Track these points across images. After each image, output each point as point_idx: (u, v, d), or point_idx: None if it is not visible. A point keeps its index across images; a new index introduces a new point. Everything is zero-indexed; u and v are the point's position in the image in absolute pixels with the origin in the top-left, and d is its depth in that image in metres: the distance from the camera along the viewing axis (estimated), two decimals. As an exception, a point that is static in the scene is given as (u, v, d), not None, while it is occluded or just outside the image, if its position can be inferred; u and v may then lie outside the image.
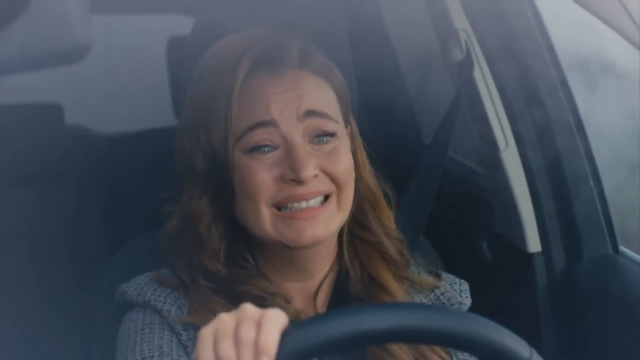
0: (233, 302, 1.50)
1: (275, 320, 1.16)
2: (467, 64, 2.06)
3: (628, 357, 1.92)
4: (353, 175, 1.55)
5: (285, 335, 1.15)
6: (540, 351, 1.21)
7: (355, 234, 1.60)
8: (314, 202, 1.50)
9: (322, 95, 1.53)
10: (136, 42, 3.02)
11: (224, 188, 1.51)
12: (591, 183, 2.07)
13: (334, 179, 1.51)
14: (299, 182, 1.48)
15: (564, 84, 2.09)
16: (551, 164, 2.09)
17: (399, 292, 1.57)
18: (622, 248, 2.09)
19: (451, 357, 1.58)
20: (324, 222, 1.51)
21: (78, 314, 2.40)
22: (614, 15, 1.48)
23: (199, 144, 1.52)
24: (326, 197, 1.51)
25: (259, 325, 1.15)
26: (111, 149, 2.65)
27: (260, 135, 1.48)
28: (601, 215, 2.07)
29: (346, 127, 1.57)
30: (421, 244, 1.84)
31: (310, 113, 1.50)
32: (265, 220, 1.50)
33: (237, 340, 1.15)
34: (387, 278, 1.57)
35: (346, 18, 1.65)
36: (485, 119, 2.09)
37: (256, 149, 1.49)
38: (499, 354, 1.19)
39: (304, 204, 1.49)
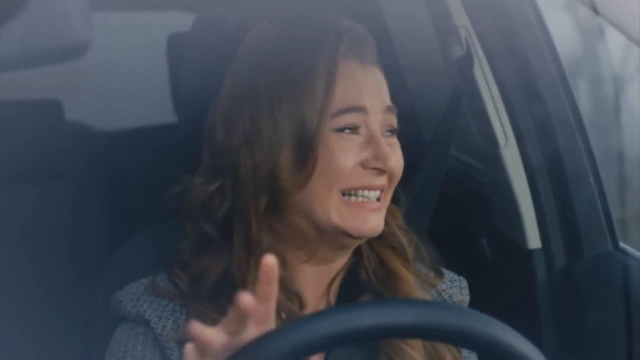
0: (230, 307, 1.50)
1: None
2: (467, 60, 2.06)
3: (628, 354, 1.92)
4: None
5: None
6: (540, 348, 1.21)
7: None
8: (374, 194, 1.53)
9: (388, 93, 1.58)
10: (136, 38, 3.02)
11: (304, 161, 1.50)
12: (591, 180, 2.07)
13: (390, 177, 1.54)
14: (382, 171, 1.52)
15: (564, 80, 2.09)
16: (551, 161, 2.09)
17: (412, 281, 1.58)
18: (622, 245, 2.09)
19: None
20: (381, 216, 1.54)
21: (77, 311, 2.40)
22: (618, 13, 1.48)
23: (276, 117, 1.51)
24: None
25: None
26: (111, 146, 2.65)
27: (350, 118, 1.52)
28: (601, 211, 2.07)
29: None
30: (421, 240, 1.84)
31: (390, 108, 1.56)
32: (333, 204, 1.51)
33: None
34: (401, 268, 1.59)
35: (346, 15, 1.65)
36: (485, 116, 2.09)
37: (346, 129, 1.52)
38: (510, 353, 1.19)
39: (372, 194, 1.53)
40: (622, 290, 1.98)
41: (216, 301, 1.51)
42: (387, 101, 1.56)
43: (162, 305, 1.53)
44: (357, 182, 1.52)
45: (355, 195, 1.52)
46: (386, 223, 1.58)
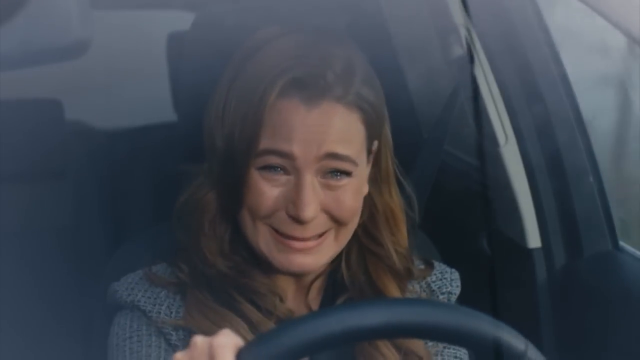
0: (228, 297, 1.51)
1: (226, 346, 1.16)
2: (467, 59, 2.06)
3: (628, 353, 1.92)
4: (358, 213, 1.53)
5: (240, 356, 1.15)
6: (540, 347, 1.21)
7: (364, 244, 1.58)
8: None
9: (349, 136, 1.49)
10: (136, 37, 3.02)
11: (232, 193, 1.50)
12: (591, 179, 2.07)
13: (335, 220, 1.50)
14: (298, 221, 1.47)
15: (564, 79, 2.09)
16: (551, 160, 2.09)
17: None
18: (622, 244, 2.09)
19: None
20: (316, 255, 1.50)
21: (77, 311, 2.39)
22: (615, 10, 1.48)
23: (223, 134, 1.50)
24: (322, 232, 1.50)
25: (211, 356, 1.16)
26: (111, 145, 2.65)
27: (275, 160, 1.46)
28: (601, 211, 2.07)
29: (372, 143, 1.54)
30: (420, 238, 1.84)
31: (331, 155, 1.47)
32: (260, 236, 1.50)
33: None
34: (392, 290, 1.57)
35: (346, 13, 1.65)
36: (485, 115, 2.09)
37: (269, 168, 1.47)
38: (494, 348, 1.19)
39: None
40: (622, 289, 1.98)
41: (214, 292, 1.52)
42: (328, 148, 1.45)
43: (156, 292, 1.54)
44: (280, 226, 1.48)
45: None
46: (382, 244, 1.57)
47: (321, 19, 1.72)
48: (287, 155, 1.45)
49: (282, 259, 1.49)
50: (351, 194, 1.50)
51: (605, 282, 2.03)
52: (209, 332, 1.47)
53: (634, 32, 1.45)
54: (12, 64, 0.98)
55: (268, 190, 1.47)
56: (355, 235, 1.56)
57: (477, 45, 2.08)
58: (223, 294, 1.52)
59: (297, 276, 1.56)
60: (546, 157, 2.09)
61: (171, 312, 1.53)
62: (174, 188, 1.58)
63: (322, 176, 1.48)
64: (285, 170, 1.47)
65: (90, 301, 1.80)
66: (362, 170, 1.52)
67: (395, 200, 1.59)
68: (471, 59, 2.06)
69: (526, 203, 2.09)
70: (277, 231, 1.49)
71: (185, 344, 1.49)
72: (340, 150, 1.47)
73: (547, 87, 2.08)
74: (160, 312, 1.52)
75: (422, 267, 1.64)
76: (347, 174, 1.49)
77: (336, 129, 1.46)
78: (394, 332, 1.24)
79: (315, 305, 1.59)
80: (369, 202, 1.56)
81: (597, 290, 2.03)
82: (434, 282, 1.63)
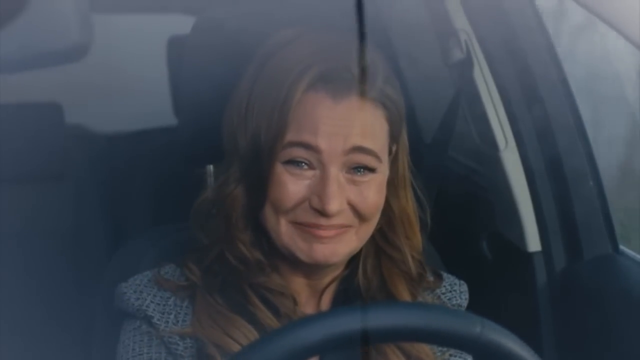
0: (241, 298, 1.51)
1: None
2: (467, 63, 2.06)
3: (628, 356, 1.92)
4: (380, 209, 1.53)
5: None
6: (540, 350, 1.21)
7: (381, 247, 1.59)
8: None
9: (374, 131, 1.50)
10: (136, 41, 3.02)
11: (257, 188, 1.50)
12: (591, 182, 2.07)
13: (358, 215, 1.50)
14: (322, 214, 1.47)
15: (564, 83, 2.09)
16: (551, 164, 2.09)
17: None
18: (622, 247, 2.09)
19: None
20: (337, 245, 1.50)
21: (77, 313, 2.40)
22: (614, 13, 1.48)
23: (247, 133, 1.50)
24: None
25: None
26: (111, 149, 2.65)
27: (300, 153, 1.47)
28: (601, 214, 2.07)
29: (393, 144, 1.55)
30: (424, 246, 1.84)
31: (357, 149, 1.47)
32: (282, 230, 1.50)
33: None
34: (405, 296, 1.57)
35: (346, 18, 1.65)
36: (485, 119, 2.09)
37: (294, 162, 1.47)
38: (448, 336, 1.18)
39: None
40: (622, 292, 1.98)
41: (226, 295, 1.52)
42: (355, 141, 1.47)
43: (165, 299, 1.54)
44: (303, 219, 1.48)
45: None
46: (399, 248, 1.58)
47: (321, 23, 1.72)
48: (313, 148, 1.46)
49: (305, 248, 1.49)
50: (375, 190, 1.50)
51: (605, 285, 2.03)
52: (217, 340, 1.48)
53: (633, 36, 1.45)
54: (11, 67, 0.98)
55: (293, 185, 1.47)
56: (373, 239, 1.57)
57: (477, 49, 2.08)
58: (235, 295, 1.52)
59: (315, 274, 1.56)
60: (546, 161, 2.09)
61: (178, 321, 1.52)
62: (174, 191, 1.58)
63: (347, 171, 1.48)
64: (310, 165, 1.47)
65: (90, 302, 1.80)
66: (385, 168, 1.53)
67: (410, 205, 1.60)
68: (471, 63, 2.06)
69: (526, 207, 2.09)
70: (300, 223, 1.49)
71: (192, 353, 1.49)
72: (366, 144, 1.48)
73: (547, 91, 2.08)
74: (168, 322, 1.52)
75: (432, 278, 1.64)
76: (372, 170, 1.49)
77: (362, 123, 1.48)
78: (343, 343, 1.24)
79: (326, 307, 1.59)
80: (386, 206, 1.56)
81: (597, 294, 2.03)
82: (443, 294, 1.64)
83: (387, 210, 1.56)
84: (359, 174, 1.49)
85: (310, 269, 1.55)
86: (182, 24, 2.26)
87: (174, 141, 1.77)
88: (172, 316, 1.52)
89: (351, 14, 1.66)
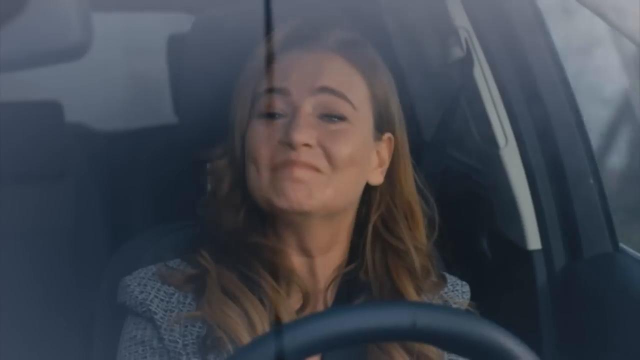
0: (250, 269, 1.52)
1: None
2: (467, 62, 2.06)
3: (628, 354, 1.92)
4: (355, 165, 1.54)
5: None
6: (540, 349, 1.21)
7: (385, 238, 1.60)
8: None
9: (346, 79, 1.54)
10: (136, 39, 3.02)
11: (238, 146, 1.54)
12: (591, 181, 2.07)
13: (329, 158, 1.51)
14: (290, 145, 1.48)
15: (565, 81, 2.09)
16: (551, 162, 2.09)
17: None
18: (622, 245, 2.09)
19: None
20: (311, 191, 1.50)
21: (77, 311, 2.40)
22: (613, 11, 1.48)
23: (234, 105, 1.56)
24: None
25: None
26: (111, 147, 2.65)
27: (273, 101, 1.51)
28: (601, 212, 2.07)
29: (382, 134, 1.57)
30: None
31: (325, 89, 1.52)
32: (263, 183, 1.51)
33: None
34: (410, 290, 1.58)
35: (347, 16, 1.65)
36: (485, 117, 2.09)
37: (268, 115, 1.51)
38: (379, 333, 1.16)
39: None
40: (622, 291, 1.98)
41: (237, 277, 1.53)
42: (325, 82, 1.52)
43: (168, 294, 1.54)
44: (277, 158, 1.50)
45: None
46: (402, 239, 1.59)
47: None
48: (282, 91, 1.51)
49: (281, 191, 1.49)
50: (347, 139, 1.52)
51: (605, 284, 2.03)
52: (224, 323, 1.48)
53: (633, 33, 1.46)
54: (11, 66, 0.99)
55: (266, 132, 1.50)
56: (377, 231, 1.58)
57: (478, 47, 2.08)
58: (246, 276, 1.53)
59: (305, 233, 1.55)
60: (546, 159, 2.09)
61: (180, 319, 1.52)
62: (174, 190, 1.58)
63: (320, 116, 1.51)
64: (283, 115, 1.51)
65: (91, 301, 1.80)
66: (361, 122, 1.54)
67: (414, 198, 1.61)
68: (471, 61, 2.06)
69: (526, 205, 2.09)
70: (275, 167, 1.51)
71: (193, 350, 1.49)
72: (335, 86, 1.52)
73: (547, 89, 2.08)
74: (170, 320, 1.52)
75: (436, 280, 1.64)
76: (343, 118, 1.52)
77: (332, 70, 1.53)
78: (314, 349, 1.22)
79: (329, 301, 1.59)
80: (387, 199, 1.58)
81: (597, 292, 2.03)
82: (446, 293, 1.65)
83: (388, 202, 1.58)
84: (331, 121, 1.52)
85: (298, 228, 1.54)
86: (182, 23, 2.27)
87: (174, 139, 1.77)
88: (174, 314, 1.52)
89: (351, 14, 1.66)
